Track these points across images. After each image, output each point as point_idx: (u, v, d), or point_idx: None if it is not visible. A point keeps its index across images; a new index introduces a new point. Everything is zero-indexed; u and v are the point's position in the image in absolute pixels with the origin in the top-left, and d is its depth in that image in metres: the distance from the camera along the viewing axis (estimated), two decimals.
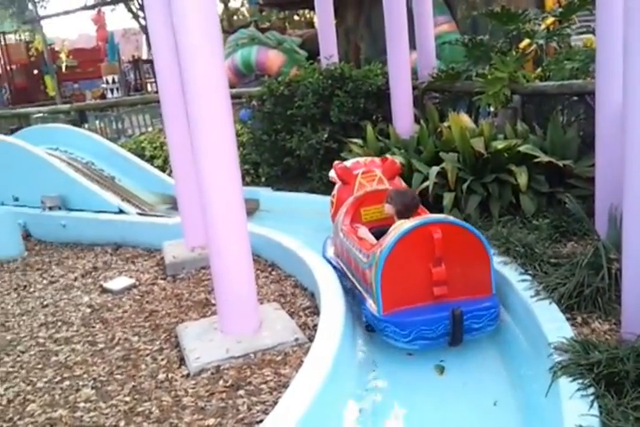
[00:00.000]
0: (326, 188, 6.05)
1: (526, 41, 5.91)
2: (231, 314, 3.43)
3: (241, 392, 2.87)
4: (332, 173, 4.64)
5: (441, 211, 4.69)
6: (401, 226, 3.23)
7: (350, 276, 3.78)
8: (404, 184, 4.54)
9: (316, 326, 3.46)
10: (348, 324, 3.32)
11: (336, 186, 4.56)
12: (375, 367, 3.19)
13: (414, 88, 6.43)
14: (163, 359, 3.35)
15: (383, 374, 3.13)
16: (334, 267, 4.06)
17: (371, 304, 3.29)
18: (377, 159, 4.69)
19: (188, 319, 3.84)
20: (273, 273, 4.52)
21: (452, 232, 3.16)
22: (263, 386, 2.91)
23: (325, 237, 4.58)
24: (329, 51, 7.60)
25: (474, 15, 8.46)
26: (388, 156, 4.83)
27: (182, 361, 3.29)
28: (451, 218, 3.35)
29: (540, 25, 6.13)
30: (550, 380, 2.59)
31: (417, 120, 6.18)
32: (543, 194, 4.73)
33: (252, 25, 15.85)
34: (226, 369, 3.10)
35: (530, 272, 3.60)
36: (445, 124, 5.51)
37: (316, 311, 3.74)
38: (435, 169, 4.79)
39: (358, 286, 3.58)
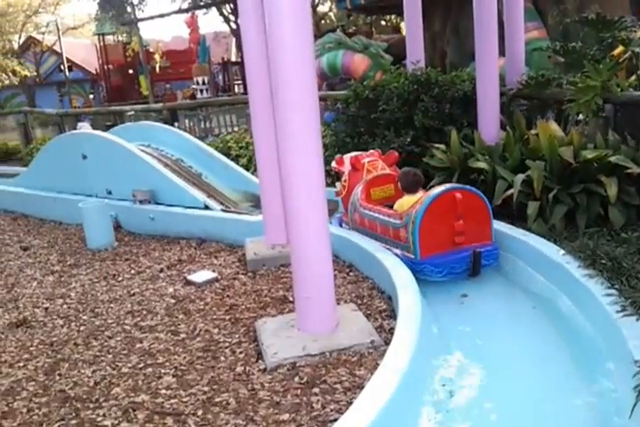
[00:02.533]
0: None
1: (620, 48, 5.69)
2: (309, 312, 3.49)
3: (315, 390, 2.92)
4: (333, 164, 5.71)
5: (524, 220, 4.59)
6: (430, 192, 4.29)
7: (374, 238, 4.74)
8: (399, 170, 5.16)
9: (392, 329, 3.47)
10: (425, 329, 3.30)
11: (346, 173, 5.44)
12: (450, 378, 3.16)
13: (502, 94, 6.33)
14: (241, 353, 3.45)
15: (457, 384, 3.10)
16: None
17: (405, 253, 4.32)
18: (376, 152, 5.56)
19: (266, 315, 3.93)
20: (350, 274, 4.56)
21: (467, 196, 4.27)
22: (338, 386, 2.94)
23: (338, 216, 5.64)
24: (416, 56, 7.57)
25: (565, 22, 8.22)
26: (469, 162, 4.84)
27: (260, 356, 3.37)
28: (467, 186, 4.43)
29: (635, 32, 5.89)
30: (635, 399, 2.49)
31: (503, 127, 6.06)
32: (633, 206, 4.55)
33: (339, 29, 16.01)
34: (302, 366, 3.16)
35: (616, 287, 3.46)
36: (533, 131, 5.39)
37: (392, 315, 3.75)
38: (520, 177, 4.69)
39: (386, 243, 4.56)
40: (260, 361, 3.32)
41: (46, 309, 4.52)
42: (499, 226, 4.63)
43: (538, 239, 4.36)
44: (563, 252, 4.03)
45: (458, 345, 3.46)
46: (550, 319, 3.76)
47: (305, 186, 3.37)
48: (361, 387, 2.80)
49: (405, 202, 4.55)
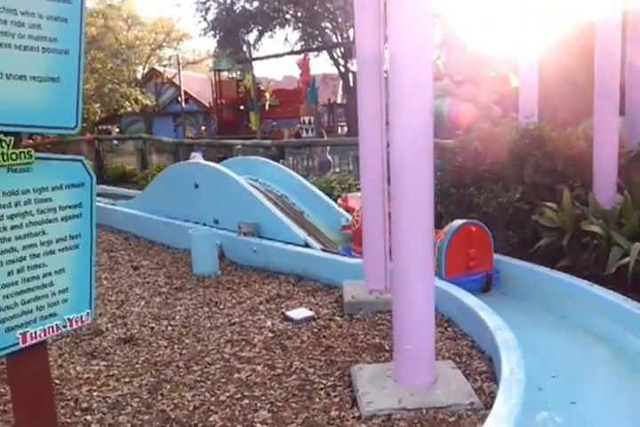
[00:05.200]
0: (511, 249, 5.93)
1: None
2: (407, 364, 3.47)
3: None
4: (339, 202, 7.18)
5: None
6: (452, 225, 5.40)
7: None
8: None
9: (492, 393, 3.38)
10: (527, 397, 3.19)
11: (357, 208, 6.28)
12: None
13: (620, 156, 6.13)
14: (336, 396, 3.47)
15: None
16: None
17: None
18: None
19: (361, 361, 3.94)
20: (449, 329, 4.49)
21: (477, 230, 5.41)
22: None
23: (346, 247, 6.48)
24: (528, 110, 7.49)
25: None
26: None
27: (354, 402, 3.37)
28: (475, 221, 5.53)
29: None
30: None
31: (620, 190, 5.86)
32: None
33: (446, 77, 16.09)
34: (397, 419, 3.13)
35: None
36: None
37: (492, 377, 3.64)
38: (638, 245, 4.50)
39: None
40: (354, 408, 3.31)
41: (152, 328, 4.75)
42: (611, 297, 4.43)
43: None
44: None
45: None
46: None
47: (414, 238, 3.38)
48: None
49: None
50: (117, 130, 34.50)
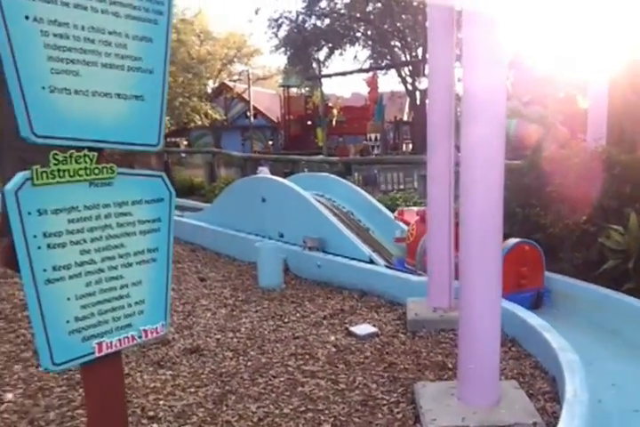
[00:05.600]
0: (576, 270, 5.81)
1: None
2: (471, 383, 3.45)
3: None
4: (395, 214, 7.55)
5: None
6: (506, 243, 5.34)
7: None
8: None
9: (554, 413, 3.34)
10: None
11: (412, 222, 6.70)
12: None
13: None
14: (399, 413, 3.48)
15: None
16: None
17: None
18: None
19: (424, 378, 3.94)
20: (512, 349, 4.43)
21: (530, 248, 5.56)
22: None
23: (397, 259, 6.77)
24: (597, 132, 7.34)
25: None
26: None
27: (417, 419, 3.38)
28: (529, 240, 5.65)
29: None
30: None
31: None
32: None
33: (514, 98, 15.85)
34: None
35: None
36: None
37: (555, 398, 3.58)
38: None
39: None
40: (417, 424, 3.33)
41: (218, 340, 4.87)
42: None
43: None
44: None
45: None
46: None
47: (484, 255, 3.38)
48: None
49: None
50: (186, 143, 35.53)
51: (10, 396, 3.80)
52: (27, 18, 1.97)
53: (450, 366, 4.12)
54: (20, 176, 2.02)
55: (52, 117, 2.07)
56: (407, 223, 7.16)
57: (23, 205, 2.00)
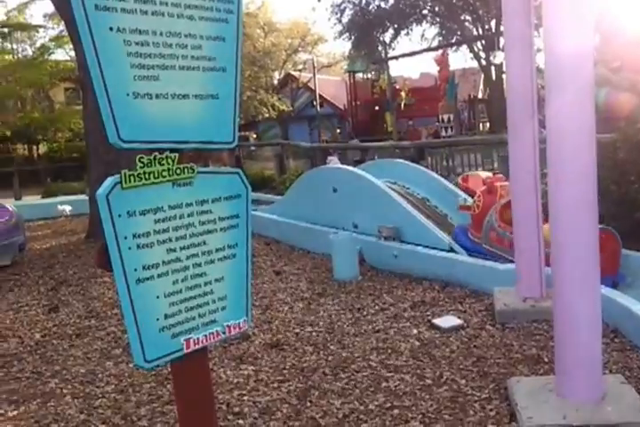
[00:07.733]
0: None
1: None
2: (572, 378, 3.20)
3: None
4: (459, 181, 7.20)
5: None
6: None
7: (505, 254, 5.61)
8: None
9: None
10: None
11: (478, 193, 6.31)
12: None
13: None
14: (492, 410, 3.29)
15: None
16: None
17: None
18: (502, 176, 6.35)
19: (517, 373, 3.71)
20: (615, 340, 4.12)
21: (607, 236, 5.03)
22: None
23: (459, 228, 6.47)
24: None
25: None
26: None
27: (512, 416, 3.18)
28: (608, 227, 5.23)
29: None
30: None
31: None
32: None
33: (600, 65, 15.01)
34: None
35: None
36: None
37: None
38: None
39: None
40: (512, 423, 3.13)
41: (297, 334, 4.80)
42: None
43: None
44: None
45: None
46: None
47: (578, 238, 3.14)
48: None
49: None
50: (255, 136, 35.87)
51: None
52: (111, 29, 2.04)
53: (545, 359, 3.88)
54: (109, 180, 2.07)
55: (136, 122, 2.12)
56: (472, 192, 6.82)
57: (114, 208, 2.06)
